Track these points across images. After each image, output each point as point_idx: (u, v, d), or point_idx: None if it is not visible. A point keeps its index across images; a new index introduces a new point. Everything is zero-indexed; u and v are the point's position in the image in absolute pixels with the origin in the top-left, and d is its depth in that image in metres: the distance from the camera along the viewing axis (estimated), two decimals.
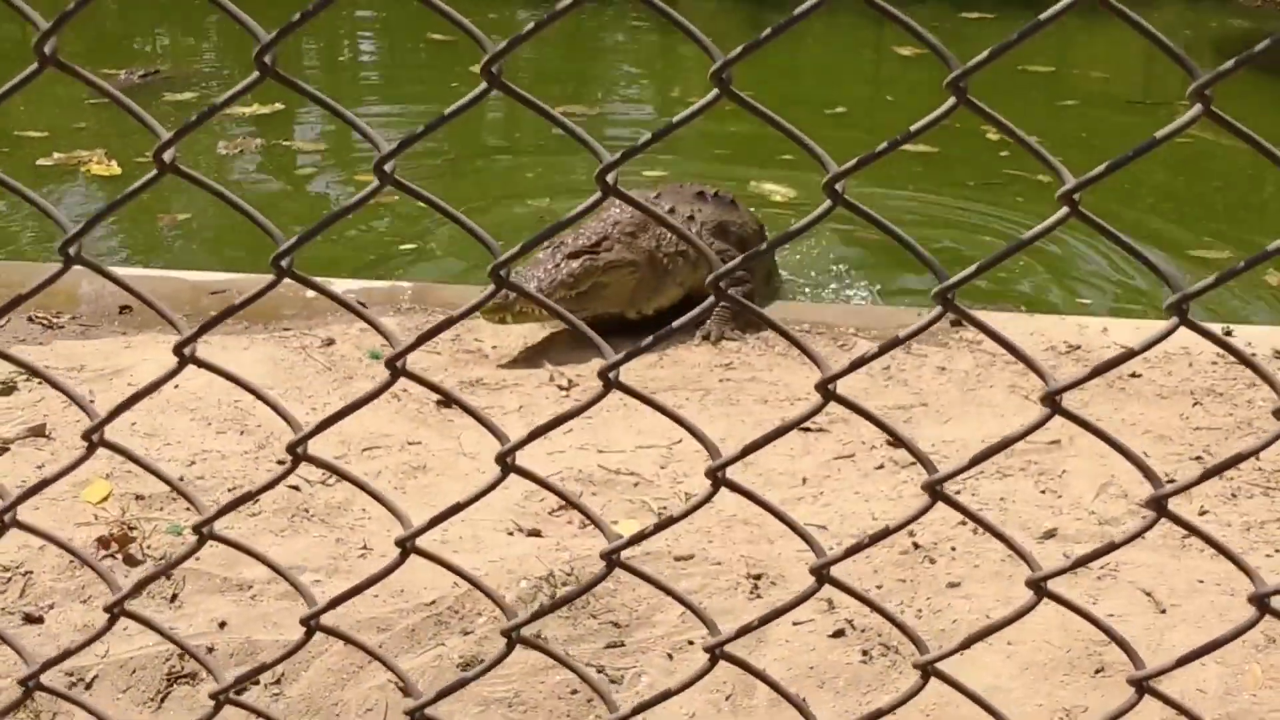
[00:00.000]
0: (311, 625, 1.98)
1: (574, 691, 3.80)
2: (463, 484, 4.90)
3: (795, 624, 4.05)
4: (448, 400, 5.63)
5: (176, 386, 5.45)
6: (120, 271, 5.24)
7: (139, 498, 4.59)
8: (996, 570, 4.36)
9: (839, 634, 4.03)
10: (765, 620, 1.80)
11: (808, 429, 5.37)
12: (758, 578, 4.29)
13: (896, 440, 1.65)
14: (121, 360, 5.77)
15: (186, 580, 4.14)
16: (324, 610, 2.02)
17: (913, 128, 1.33)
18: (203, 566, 4.18)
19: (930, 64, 13.36)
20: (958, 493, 4.81)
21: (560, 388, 5.77)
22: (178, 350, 1.76)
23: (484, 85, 1.47)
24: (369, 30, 15.34)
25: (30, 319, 6.20)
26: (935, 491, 1.61)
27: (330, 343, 5.97)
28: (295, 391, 5.56)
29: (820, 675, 3.89)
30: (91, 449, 1.96)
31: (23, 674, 3.81)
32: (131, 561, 4.22)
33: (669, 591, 1.91)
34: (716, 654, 1.79)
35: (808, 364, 5.96)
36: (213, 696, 2.03)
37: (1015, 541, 1.69)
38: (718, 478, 1.71)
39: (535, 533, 4.55)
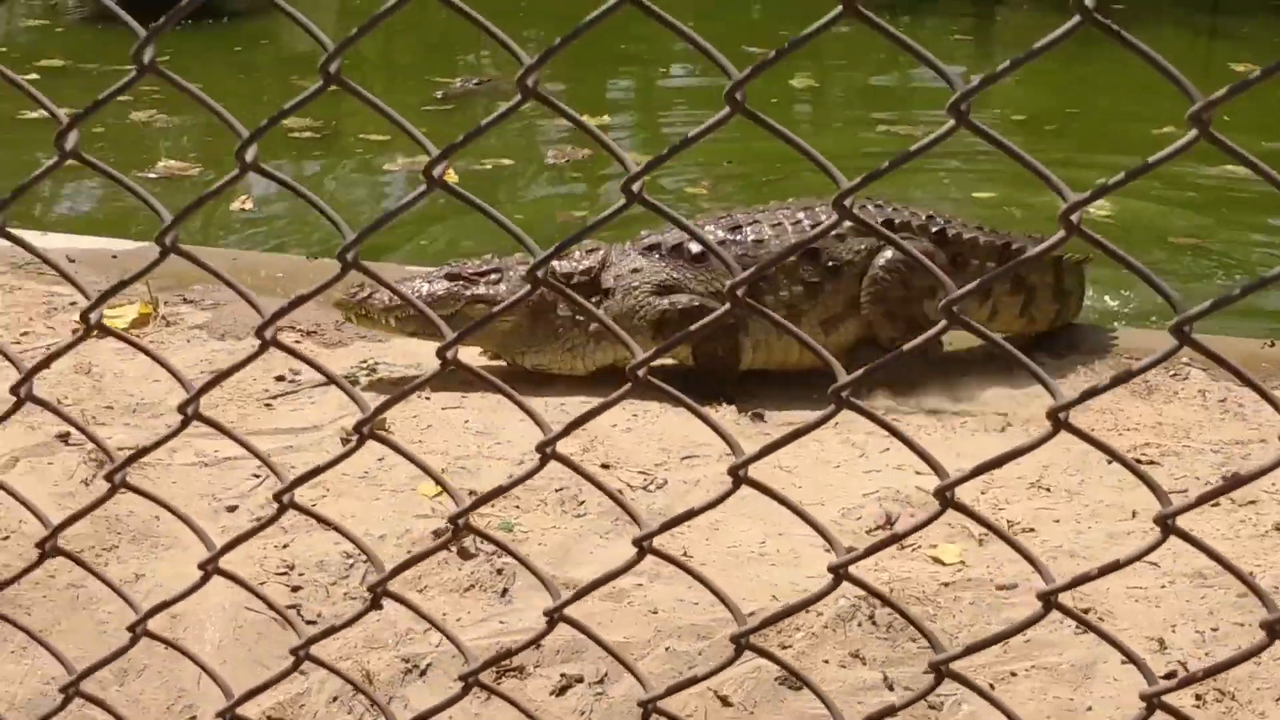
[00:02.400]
0: (644, 548, 2.00)
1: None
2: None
3: (1124, 663, 3.91)
4: (761, 414, 5.69)
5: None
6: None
7: (471, 492, 4.77)
8: None
9: (1171, 675, 3.87)
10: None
11: (1139, 460, 5.18)
12: (1085, 611, 4.16)
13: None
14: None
15: (517, 576, 4.28)
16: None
17: (1151, 159, 1.31)
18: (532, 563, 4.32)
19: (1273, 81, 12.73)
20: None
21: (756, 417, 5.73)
22: (440, 354, 1.93)
23: (727, 110, 1.53)
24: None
25: None
26: None
27: None
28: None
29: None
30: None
31: (352, 654, 4.01)
32: (465, 555, 4.38)
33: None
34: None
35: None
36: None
37: None
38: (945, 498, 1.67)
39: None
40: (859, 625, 4.04)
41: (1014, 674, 3.88)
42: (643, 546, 1.88)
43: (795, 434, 1.80)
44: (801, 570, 4.31)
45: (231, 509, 4.68)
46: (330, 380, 2.10)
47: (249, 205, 9.17)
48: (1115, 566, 1.64)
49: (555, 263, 5.98)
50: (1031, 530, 4.62)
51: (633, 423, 5.60)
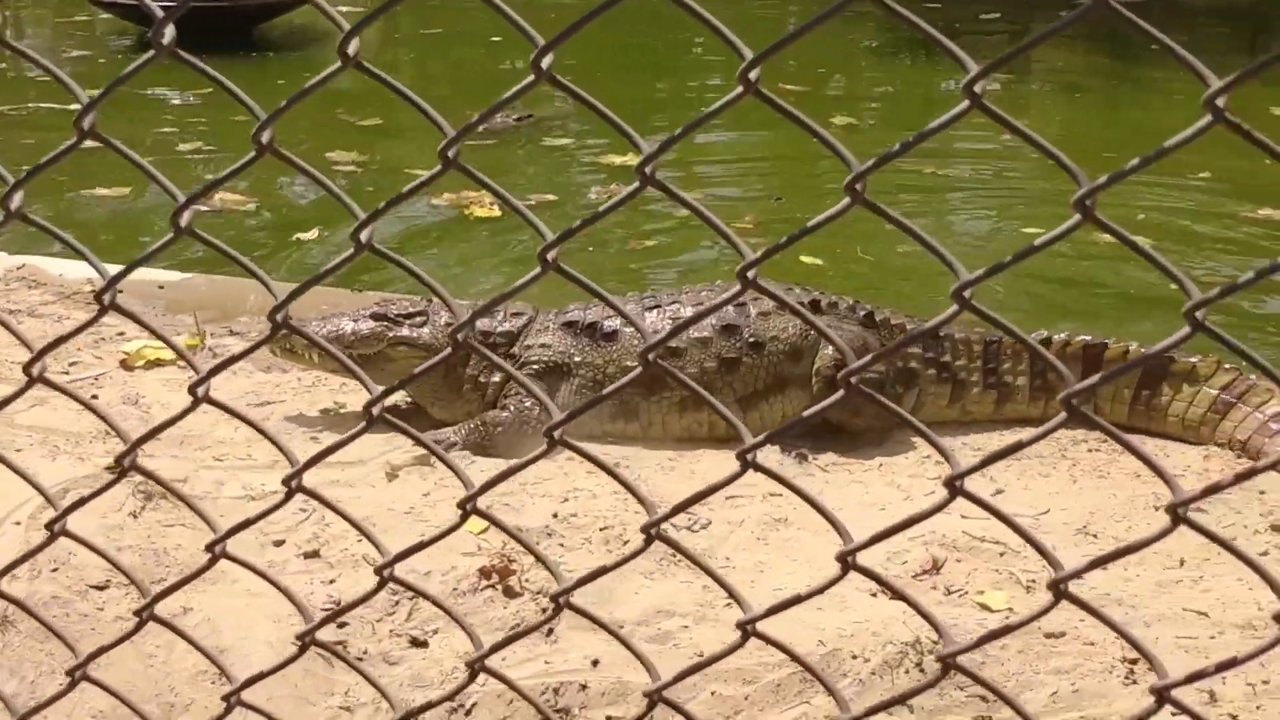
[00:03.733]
0: (654, 699, 2.00)
1: None
2: (824, 541, 4.90)
3: (1174, 715, 3.87)
4: (805, 454, 5.68)
5: None
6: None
7: (517, 530, 4.78)
8: None
9: None
10: None
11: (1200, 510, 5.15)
12: (1133, 662, 4.13)
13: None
14: None
15: (562, 617, 4.27)
16: (668, 683, 2.04)
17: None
18: (578, 603, 4.31)
19: None
20: None
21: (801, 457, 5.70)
22: (366, 409, 1.88)
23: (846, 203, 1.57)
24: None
25: None
26: None
27: None
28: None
29: None
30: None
31: (401, 698, 4.01)
32: (510, 594, 4.39)
33: None
34: (1061, 590, 1.72)
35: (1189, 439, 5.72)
36: None
37: None
38: (1060, 590, 1.66)
39: (899, 596, 4.50)
40: (906, 672, 4.02)
41: None
42: (650, 534, 1.90)
43: (703, 493, 1.83)
44: (848, 615, 4.29)
45: (278, 543, 4.70)
46: (262, 433, 2.13)
47: (313, 235, 9.28)
48: (1233, 663, 1.63)
49: (479, 320, 5.96)
50: (1079, 580, 4.58)
51: (673, 462, 5.60)
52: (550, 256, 1.72)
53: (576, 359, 5.92)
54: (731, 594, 1.91)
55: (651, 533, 1.86)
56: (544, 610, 4.30)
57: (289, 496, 2.08)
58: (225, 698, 2.29)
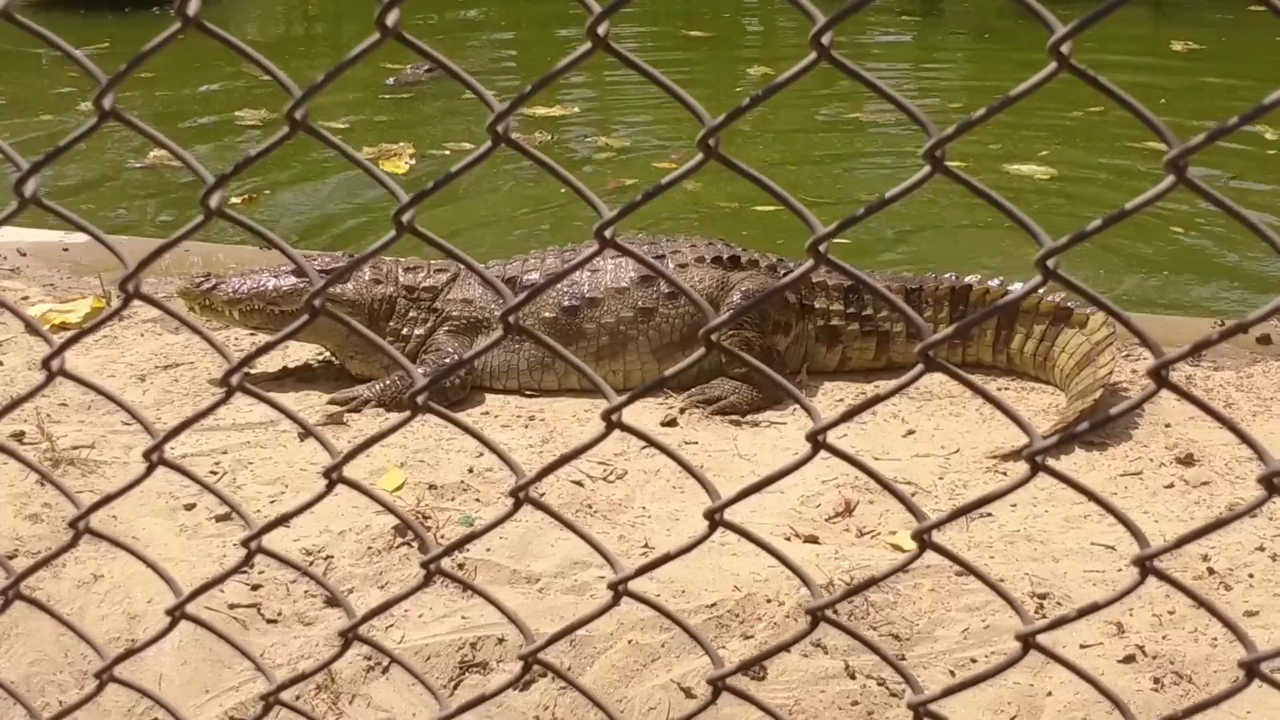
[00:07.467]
0: (528, 661, 1.99)
1: (854, 703, 3.79)
2: (738, 487, 4.92)
3: (1083, 647, 3.95)
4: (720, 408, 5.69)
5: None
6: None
7: (432, 487, 4.77)
8: None
9: (1129, 660, 3.91)
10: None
11: (1091, 444, 5.23)
12: (1043, 597, 4.20)
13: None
14: None
15: (478, 571, 4.28)
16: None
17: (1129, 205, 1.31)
18: (493, 558, 4.32)
19: (1209, 60, 12.84)
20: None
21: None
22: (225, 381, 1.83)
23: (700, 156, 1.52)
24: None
25: None
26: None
27: None
28: None
29: (1109, 702, 3.78)
30: (330, 486, 2.01)
31: (324, 651, 4.00)
32: (426, 550, 4.37)
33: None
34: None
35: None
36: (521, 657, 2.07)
37: None
38: (924, 540, 1.66)
39: (812, 539, 4.55)
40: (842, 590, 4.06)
41: (974, 660, 3.91)
42: (519, 498, 1.88)
43: (564, 458, 1.82)
44: (763, 559, 4.32)
45: (189, 507, 4.65)
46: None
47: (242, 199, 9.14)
48: (1094, 608, 1.64)
49: (403, 274, 6.01)
50: (989, 515, 4.66)
51: (591, 414, 5.60)
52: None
53: (497, 313, 5.83)
54: (603, 554, 1.90)
55: (520, 496, 1.85)
56: (460, 566, 4.31)
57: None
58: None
